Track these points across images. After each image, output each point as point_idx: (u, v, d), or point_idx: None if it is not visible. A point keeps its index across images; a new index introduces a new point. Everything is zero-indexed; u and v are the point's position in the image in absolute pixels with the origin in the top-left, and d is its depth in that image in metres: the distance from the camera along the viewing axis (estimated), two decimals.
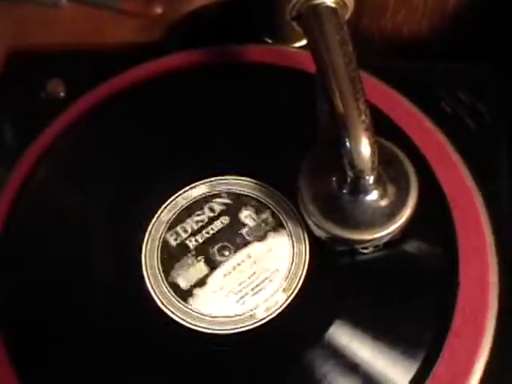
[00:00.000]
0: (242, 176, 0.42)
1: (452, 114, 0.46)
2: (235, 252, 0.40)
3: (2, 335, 0.38)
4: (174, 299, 0.38)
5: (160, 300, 0.38)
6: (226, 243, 0.40)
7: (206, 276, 0.39)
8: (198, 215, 0.41)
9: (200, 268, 0.39)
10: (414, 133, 0.43)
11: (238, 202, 0.42)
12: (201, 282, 0.39)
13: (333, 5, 0.39)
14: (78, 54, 0.51)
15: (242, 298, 0.38)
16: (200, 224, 0.41)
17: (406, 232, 0.38)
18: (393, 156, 0.38)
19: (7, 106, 0.49)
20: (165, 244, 0.40)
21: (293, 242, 0.40)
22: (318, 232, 0.38)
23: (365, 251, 0.39)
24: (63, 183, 0.44)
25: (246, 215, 0.41)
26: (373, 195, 0.37)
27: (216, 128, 0.45)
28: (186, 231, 0.41)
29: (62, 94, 0.48)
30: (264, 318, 0.38)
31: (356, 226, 0.37)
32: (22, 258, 0.41)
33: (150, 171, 0.43)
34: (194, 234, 0.40)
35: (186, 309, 0.38)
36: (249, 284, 0.39)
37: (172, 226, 0.41)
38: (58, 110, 0.47)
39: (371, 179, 0.36)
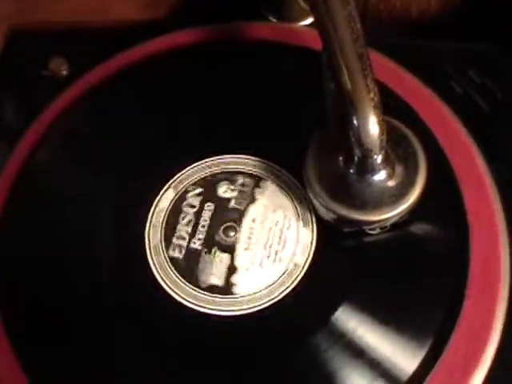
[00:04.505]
0: (192, 163, 0.42)
1: (462, 94, 0.45)
2: (239, 225, 0.40)
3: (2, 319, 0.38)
4: (220, 300, 0.38)
5: (208, 308, 0.37)
6: (226, 224, 0.40)
7: (232, 261, 0.39)
8: (184, 218, 0.40)
9: (221, 258, 0.39)
10: (424, 112, 0.42)
11: (208, 185, 0.41)
12: (231, 270, 0.38)
13: None
14: (81, 32, 0.51)
15: (275, 257, 0.39)
16: (191, 224, 0.40)
17: (414, 213, 0.37)
18: (401, 135, 0.38)
19: (9, 84, 0.49)
20: (173, 260, 0.39)
21: (280, 185, 0.41)
22: (325, 213, 0.38)
23: (372, 232, 0.38)
24: (64, 164, 0.43)
25: (224, 190, 0.41)
26: (380, 175, 0.36)
27: (203, 112, 0.44)
28: (183, 238, 0.40)
29: (64, 72, 0.48)
30: (306, 262, 0.38)
31: (363, 206, 0.36)
32: (21, 243, 0.40)
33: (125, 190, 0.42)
34: (192, 235, 0.40)
35: (238, 299, 0.38)
36: (273, 241, 0.39)
37: (167, 241, 0.40)
38: (60, 88, 0.46)
39: (379, 158, 0.35)
